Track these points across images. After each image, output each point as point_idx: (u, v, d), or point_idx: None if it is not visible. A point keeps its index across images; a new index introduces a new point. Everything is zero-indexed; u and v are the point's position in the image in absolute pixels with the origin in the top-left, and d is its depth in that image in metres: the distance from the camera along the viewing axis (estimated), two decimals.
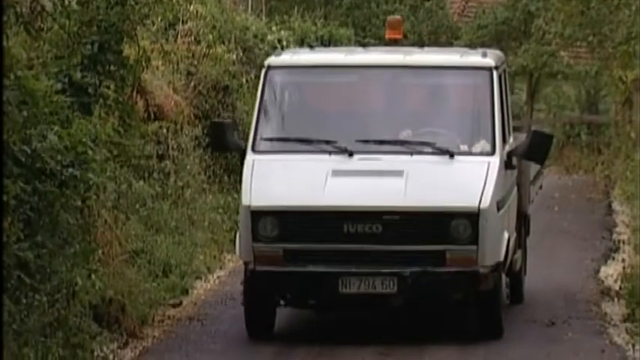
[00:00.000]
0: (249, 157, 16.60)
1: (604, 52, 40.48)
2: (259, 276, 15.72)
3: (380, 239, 15.61)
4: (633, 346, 21.60)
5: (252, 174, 16.22)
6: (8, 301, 17.36)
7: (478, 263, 15.19)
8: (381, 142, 16.33)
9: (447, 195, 15.49)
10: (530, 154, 16.84)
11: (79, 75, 22.37)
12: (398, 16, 21.62)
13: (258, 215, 15.66)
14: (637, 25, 34.48)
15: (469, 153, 16.31)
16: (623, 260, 29.62)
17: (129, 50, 24.21)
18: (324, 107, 17.45)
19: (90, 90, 22.60)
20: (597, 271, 28.93)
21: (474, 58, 17.42)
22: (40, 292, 18.57)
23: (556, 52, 45.30)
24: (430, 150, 16.13)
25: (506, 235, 16.88)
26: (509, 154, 16.28)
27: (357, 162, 16.06)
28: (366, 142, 16.18)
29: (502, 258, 15.67)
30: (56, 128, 19.17)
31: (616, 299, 25.81)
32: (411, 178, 15.74)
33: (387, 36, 20.31)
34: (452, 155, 16.14)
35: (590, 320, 23.72)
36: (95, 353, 20.15)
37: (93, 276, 20.73)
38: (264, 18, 42.64)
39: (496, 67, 17.18)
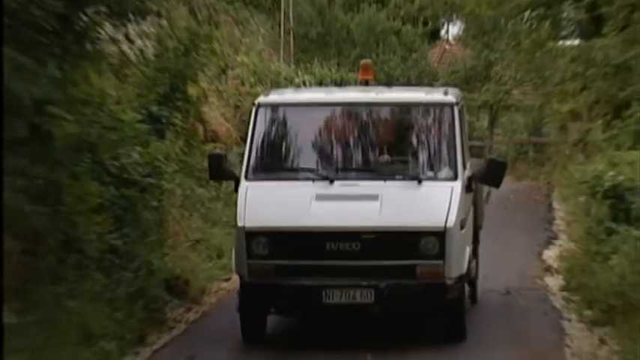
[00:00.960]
0: (243, 184, 15.60)
1: (545, 90, 40.64)
2: (253, 288, 14.71)
3: (358, 255, 14.54)
4: (568, 309, 21.92)
5: (245, 199, 15.20)
6: (102, 276, 18.36)
7: (445, 276, 14.42)
8: (358, 170, 15.51)
9: (417, 216, 14.62)
10: (487, 179, 16.12)
11: (155, 108, 22.93)
12: (369, 60, 19.89)
13: (252, 235, 14.61)
14: (569, 71, 34.60)
15: (435, 178, 15.42)
16: (560, 245, 29.97)
17: (192, 90, 24.74)
18: (307, 139, 15.96)
19: (163, 120, 23.19)
20: (541, 254, 29.19)
21: (437, 95, 16.64)
22: (126, 269, 19.35)
23: (509, 91, 45.20)
24: (401, 176, 15.32)
25: (467, 249, 16.35)
26: (469, 179, 15.55)
27: (337, 187, 15.04)
28: (345, 170, 15.43)
29: (465, 270, 14.94)
30: (138, 148, 19.86)
31: (555, 274, 26.27)
32: (385, 202, 14.80)
33: (360, 77, 18.75)
34: (420, 181, 15.27)
35: (536, 290, 24.49)
36: (167, 315, 20.46)
37: (165, 258, 21.57)
38: (292, 66, 42.37)
39: (456, 104, 16.47)
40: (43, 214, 14.27)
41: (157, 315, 20.29)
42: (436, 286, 14.19)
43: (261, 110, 15.79)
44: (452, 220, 14.06)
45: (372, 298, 14.01)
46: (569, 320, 21.77)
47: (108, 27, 16.16)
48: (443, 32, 62.08)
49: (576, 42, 37.98)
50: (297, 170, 15.90)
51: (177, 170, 23.67)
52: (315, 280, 14.04)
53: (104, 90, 18.41)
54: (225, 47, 27.17)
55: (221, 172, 16.29)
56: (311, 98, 17.45)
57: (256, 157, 15.76)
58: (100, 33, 15.59)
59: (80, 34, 14.20)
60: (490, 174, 16.08)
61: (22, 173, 13.43)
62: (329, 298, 13.97)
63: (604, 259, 22.08)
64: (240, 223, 14.58)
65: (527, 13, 39.28)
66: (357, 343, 14.33)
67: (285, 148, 15.95)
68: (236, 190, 15.89)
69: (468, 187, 15.72)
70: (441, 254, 14.13)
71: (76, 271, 17.16)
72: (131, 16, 16.50)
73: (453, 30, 57.79)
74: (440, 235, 14.15)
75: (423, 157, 15.78)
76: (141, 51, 21.17)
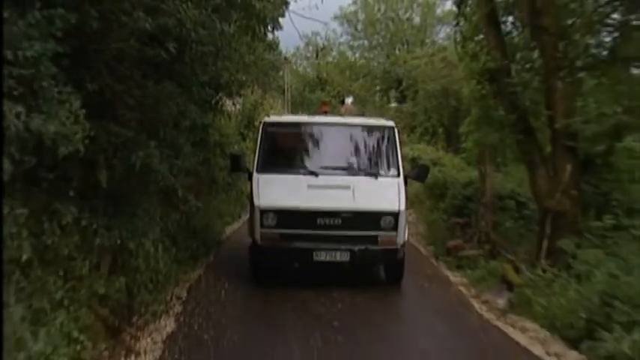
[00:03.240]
0: (255, 175, 11.64)
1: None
2: (265, 250, 10.89)
3: (339, 228, 10.92)
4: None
5: (258, 186, 11.31)
6: (224, 193, 18.22)
7: (396, 243, 10.95)
8: (334, 168, 11.51)
9: (380, 202, 10.98)
10: (417, 177, 12.26)
11: (242, 130, 22.91)
12: (327, 100, 16.98)
13: (264, 212, 10.85)
14: (394, 116, 34.95)
15: (386, 176, 11.52)
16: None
17: (255, 123, 24.22)
18: (298, 146, 12.34)
19: (244, 134, 23.05)
20: None
21: (383, 121, 12.65)
22: (233, 191, 18.87)
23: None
24: (364, 173, 11.44)
25: (406, 225, 12.50)
26: (405, 177, 11.78)
27: (321, 179, 11.28)
28: (325, 167, 11.45)
29: (406, 238, 11.51)
30: (236, 146, 18.93)
31: None
32: (355, 190, 11.15)
33: (321, 109, 14.40)
34: (376, 177, 11.46)
35: None
36: (248, 208, 19.95)
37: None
38: (289, 112, 41.56)
39: (396, 126, 12.55)
40: (204, 170, 14.45)
41: (242, 202, 19.77)
42: (391, 250, 10.87)
43: (266, 126, 12.00)
44: (402, 205, 10.77)
45: (348, 258, 10.60)
46: None
47: (225, 99, 16.19)
48: (345, 100, 61.45)
49: (395, 104, 37.98)
50: (292, 167, 11.66)
51: (250, 153, 22.76)
52: (308, 244, 10.60)
53: (223, 123, 18.57)
54: (267, 106, 26.95)
55: (239, 166, 12.15)
56: (300, 119, 13.23)
57: (264, 158, 11.73)
58: (223, 101, 15.69)
59: (217, 102, 14.21)
60: (419, 173, 12.35)
61: (202, 155, 13.36)
62: (317, 257, 10.56)
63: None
64: (256, 203, 10.77)
65: (377, 94, 39.29)
66: (334, 282, 11.16)
67: (283, 152, 12.20)
68: (249, 179, 11.95)
69: (405, 182, 12.05)
70: (395, 228, 10.77)
71: (214, 191, 16.86)
72: (234, 95, 16.49)
73: (349, 99, 57.41)
74: (395, 215, 10.73)
75: (376, 160, 12.03)
76: (237, 108, 21.32)
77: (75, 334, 5.81)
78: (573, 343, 7.66)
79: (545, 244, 10.75)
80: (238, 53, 11.45)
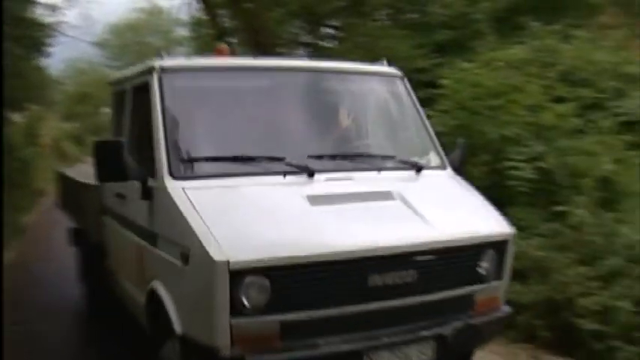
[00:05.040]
0: (172, 185, 2.13)
1: None
2: None
3: (411, 290, 2.23)
4: None
5: (196, 211, 1.96)
6: None
7: (502, 302, 2.58)
8: (335, 157, 2.60)
9: (474, 221, 2.51)
10: (460, 164, 3.23)
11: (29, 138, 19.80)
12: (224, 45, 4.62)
13: (238, 276, 1.83)
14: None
15: (427, 167, 3.01)
16: None
17: (42, 132, 21.53)
18: (248, 117, 2.52)
19: (34, 142, 19.92)
20: None
21: (384, 67, 3.44)
22: None
23: None
24: (393, 164, 2.83)
25: None
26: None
27: (325, 184, 2.42)
28: (320, 157, 2.52)
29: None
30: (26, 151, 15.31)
31: None
32: (408, 200, 2.51)
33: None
34: (419, 169, 2.90)
35: None
36: None
37: None
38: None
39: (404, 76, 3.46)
40: None
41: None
42: (496, 320, 2.59)
43: (168, 80, 2.48)
44: (505, 222, 2.73)
45: (432, 353, 2.33)
46: None
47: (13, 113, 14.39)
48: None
49: None
50: (253, 159, 2.46)
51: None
52: (352, 340, 2.08)
53: (16, 131, 15.92)
54: (48, 119, 23.69)
55: (120, 168, 2.29)
56: (237, 63, 2.97)
57: (181, 147, 2.38)
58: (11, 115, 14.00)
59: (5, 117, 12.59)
60: (460, 156, 3.31)
61: None
62: None
63: None
64: (215, 256, 1.89)
65: None
66: None
67: (220, 130, 2.60)
68: (145, 196, 2.48)
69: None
70: (499, 272, 2.61)
71: None
72: (21, 111, 14.93)
73: None
74: (501, 246, 2.62)
75: (397, 139, 3.30)
76: (24, 121, 18.80)
77: None
78: None
79: None
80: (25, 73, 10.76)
